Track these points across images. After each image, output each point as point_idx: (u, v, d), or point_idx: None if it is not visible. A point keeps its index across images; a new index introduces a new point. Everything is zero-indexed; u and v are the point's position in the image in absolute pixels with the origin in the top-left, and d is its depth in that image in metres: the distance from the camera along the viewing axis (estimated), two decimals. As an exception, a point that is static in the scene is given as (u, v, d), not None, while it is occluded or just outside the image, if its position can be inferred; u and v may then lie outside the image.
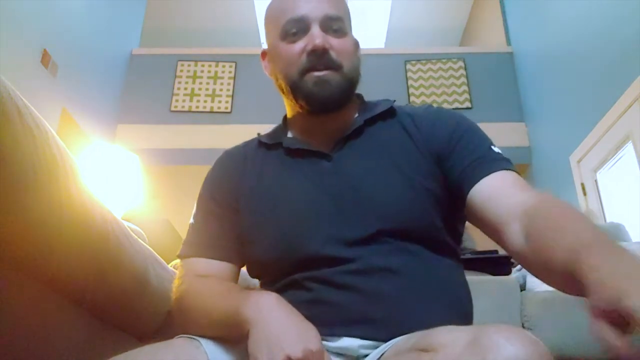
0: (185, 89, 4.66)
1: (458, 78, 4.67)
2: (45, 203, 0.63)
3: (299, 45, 0.82)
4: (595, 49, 3.21)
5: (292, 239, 0.79)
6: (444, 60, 4.76)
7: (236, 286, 0.78)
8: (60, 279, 0.73)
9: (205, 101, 4.60)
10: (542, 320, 1.70)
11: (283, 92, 0.87)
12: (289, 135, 0.91)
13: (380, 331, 0.70)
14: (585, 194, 3.35)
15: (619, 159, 3.01)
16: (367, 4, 6.05)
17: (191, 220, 0.89)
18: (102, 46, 4.18)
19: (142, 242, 0.96)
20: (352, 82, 0.85)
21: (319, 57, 0.80)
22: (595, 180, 3.27)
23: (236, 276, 0.86)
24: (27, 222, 0.61)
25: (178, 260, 0.90)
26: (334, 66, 0.81)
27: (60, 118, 3.36)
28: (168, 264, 1.15)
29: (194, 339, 0.67)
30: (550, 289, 2.09)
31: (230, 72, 4.73)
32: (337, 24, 0.83)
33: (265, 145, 0.90)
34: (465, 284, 0.82)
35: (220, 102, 4.60)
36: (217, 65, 4.76)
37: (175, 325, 0.77)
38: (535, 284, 1.97)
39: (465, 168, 0.78)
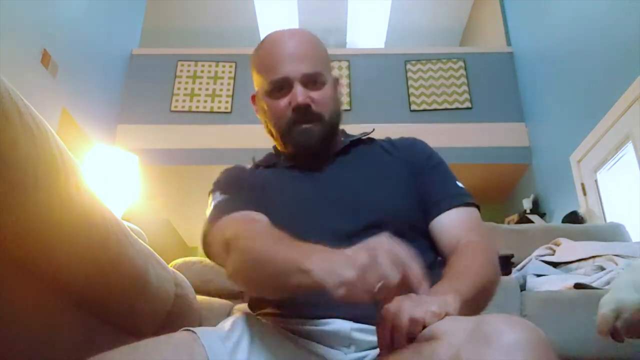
0: (185, 89, 4.66)
1: (458, 78, 4.66)
2: (45, 203, 0.63)
3: (284, 101, 0.94)
4: (595, 49, 3.21)
5: (291, 233, 0.80)
6: (444, 60, 4.76)
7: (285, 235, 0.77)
8: (60, 279, 0.73)
9: (205, 101, 4.60)
10: (542, 320, 1.70)
11: (272, 136, 1.00)
12: (281, 158, 1.03)
13: (371, 312, 0.71)
14: (585, 194, 3.35)
15: (619, 159, 3.01)
16: (367, 4, 6.05)
17: (214, 203, 0.92)
18: (102, 46, 4.18)
19: (142, 242, 0.96)
20: (333, 127, 0.98)
21: (302, 113, 0.93)
22: (595, 180, 3.27)
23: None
24: (27, 222, 0.61)
25: (178, 260, 0.90)
26: (316, 118, 0.94)
27: (60, 118, 3.36)
28: (168, 264, 1.15)
29: (192, 332, 0.67)
30: (550, 288, 2.06)
31: (230, 72, 4.73)
32: (315, 78, 0.95)
33: (263, 165, 1.03)
34: (439, 267, 0.90)
35: (220, 102, 4.60)
36: (217, 65, 4.76)
37: (228, 274, 0.79)
38: (535, 284, 1.97)
39: (433, 197, 0.93)
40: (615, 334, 0.54)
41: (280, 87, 0.94)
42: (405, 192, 0.94)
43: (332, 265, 0.56)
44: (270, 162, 1.04)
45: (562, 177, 3.64)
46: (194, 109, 4.57)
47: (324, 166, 0.98)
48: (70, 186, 0.68)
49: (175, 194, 4.86)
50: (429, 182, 0.95)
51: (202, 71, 4.74)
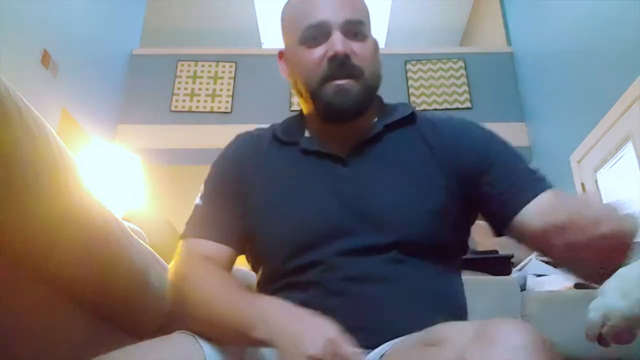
0: (185, 89, 4.66)
1: (458, 78, 4.66)
2: (45, 203, 0.63)
3: (319, 51, 0.80)
4: (595, 49, 3.21)
5: (301, 244, 0.79)
6: (444, 60, 4.76)
7: (237, 283, 0.75)
8: (60, 279, 0.73)
9: (205, 101, 4.60)
10: (543, 320, 1.70)
11: (301, 96, 0.86)
12: (306, 134, 0.89)
13: (369, 338, 0.70)
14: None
15: (619, 159, 3.01)
16: (367, 4, 6.05)
17: (197, 201, 0.86)
18: (102, 46, 4.17)
19: (142, 242, 0.96)
20: (372, 89, 0.83)
21: (340, 65, 0.79)
22: (596, 180, 3.27)
23: (233, 263, 0.85)
24: (28, 222, 0.61)
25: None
26: (356, 74, 0.80)
27: (60, 118, 3.36)
28: (168, 264, 1.15)
29: (190, 334, 0.67)
30: (550, 288, 2.07)
31: (230, 72, 4.72)
32: (358, 28, 0.81)
33: (280, 140, 0.88)
34: (463, 298, 0.83)
35: (220, 102, 4.59)
36: (217, 65, 4.76)
37: (173, 312, 0.77)
38: (536, 284, 1.96)
39: (505, 193, 0.78)
40: (601, 339, 0.54)
41: (315, 35, 0.80)
42: (437, 211, 0.79)
43: (295, 338, 0.56)
44: (291, 138, 0.88)
45: (562, 177, 3.64)
46: (194, 109, 4.57)
47: (349, 156, 0.83)
48: (71, 186, 0.68)
49: (175, 194, 4.85)
50: (496, 181, 0.79)
51: (202, 71, 4.74)
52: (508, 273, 2.25)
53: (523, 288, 1.98)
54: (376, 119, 0.87)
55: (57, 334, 0.75)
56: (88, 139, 3.66)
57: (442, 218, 0.79)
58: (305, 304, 0.73)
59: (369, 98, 0.83)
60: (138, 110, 4.53)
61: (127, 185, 2.17)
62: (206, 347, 0.65)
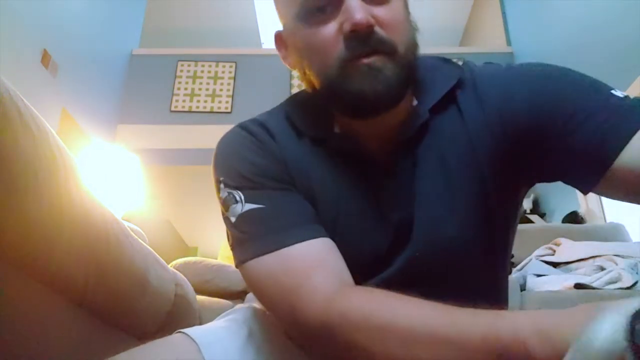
0: (185, 89, 4.66)
1: (458, 78, 4.66)
2: (45, 203, 0.63)
3: (331, 27, 0.59)
4: (595, 49, 3.21)
5: (355, 265, 0.63)
6: (444, 60, 4.76)
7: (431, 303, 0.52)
8: (60, 279, 0.73)
9: (205, 101, 4.61)
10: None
11: (314, 90, 0.66)
12: (336, 129, 0.69)
13: None
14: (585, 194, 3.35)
15: (619, 159, 3.00)
16: None
17: (248, 208, 0.62)
18: (102, 46, 4.18)
19: (142, 242, 0.96)
20: (410, 66, 0.61)
21: (364, 40, 0.58)
22: (596, 180, 3.27)
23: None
24: (27, 222, 0.61)
25: (178, 260, 0.89)
26: (385, 48, 0.58)
27: (60, 118, 3.36)
28: (168, 264, 1.15)
29: (189, 335, 0.66)
30: (550, 288, 2.07)
31: (230, 72, 4.73)
32: None
33: (300, 132, 0.69)
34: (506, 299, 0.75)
35: (220, 102, 4.60)
36: (217, 65, 4.76)
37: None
38: (536, 284, 1.96)
39: (594, 136, 0.57)
40: None
41: (321, 5, 0.59)
42: (487, 224, 0.64)
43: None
44: (318, 132, 0.68)
45: (562, 177, 3.64)
46: (194, 109, 4.57)
47: (392, 160, 0.64)
48: (70, 186, 0.68)
49: (175, 194, 4.87)
50: (570, 132, 0.58)
51: (202, 71, 4.74)
52: (508, 273, 2.25)
53: (523, 288, 1.98)
54: (415, 102, 0.67)
55: (57, 334, 0.75)
56: (88, 139, 3.66)
57: (485, 222, 0.64)
58: None
59: (408, 78, 0.62)
60: (138, 111, 4.53)
61: (127, 185, 2.17)
62: (205, 349, 0.65)
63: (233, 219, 0.63)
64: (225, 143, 0.70)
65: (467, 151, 0.64)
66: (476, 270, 0.66)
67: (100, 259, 0.79)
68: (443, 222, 0.63)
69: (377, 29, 0.58)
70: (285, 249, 0.59)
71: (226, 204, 0.65)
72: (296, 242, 0.59)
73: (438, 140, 0.65)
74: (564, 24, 3.69)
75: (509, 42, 4.88)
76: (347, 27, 0.58)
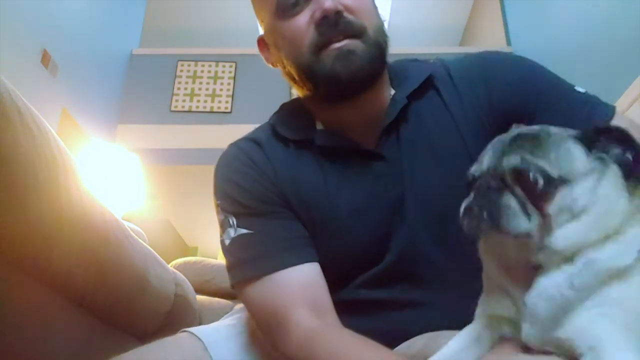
0: (185, 89, 4.66)
1: (458, 78, 4.66)
2: (45, 203, 0.63)
3: (303, 16, 0.64)
4: (595, 49, 3.21)
5: (351, 270, 0.68)
6: (444, 60, 4.76)
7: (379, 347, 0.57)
8: (60, 279, 0.73)
9: (205, 101, 4.60)
10: (542, 320, 1.70)
11: (295, 82, 0.69)
12: (318, 126, 0.72)
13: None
14: (585, 194, 3.35)
15: (619, 159, 3.01)
16: None
17: (238, 233, 0.66)
18: (102, 46, 4.17)
19: (142, 242, 0.96)
20: (381, 47, 0.66)
21: (333, 25, 0.63)
22: (595, 180, 3.27)
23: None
24: (27, 222, 0.61)
25: (178, 260, 0.89)
26: (355, 32, 0.63)
27: (60, 118, 3.36)
28: (168, 264, 1.15)
29: (196, 336, 0.66)
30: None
31: (230, 72, 4.72)
32: None
33: (286, 139, 0.72)
34: None
35: (220, 102, 4.60)
36: (217, 65, 4.76)
37: None
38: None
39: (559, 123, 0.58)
40: None
41: (294, 0, 0.65)
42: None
43: None
44: (300, 135, 0.71)
45: (562, 177, 3.64)
46: (194, 109, 4.57)
47: (380, 146, 0.67)
48: (70, 186, 0.68)
49: (175, 194, 4.86)
50: (538, 119, 0.61)
51: (202, 71, 4.74)
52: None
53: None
54: (393, 91, 0.71)
55: (57, 333, 0.75)
56: (88, 139, 3.66)
57: None
58: (372, 319, 0.66)
59: (380, 60, 0.66)
60: (138, 110, 4.53)
61: (127, 185, 2.17)
62: (212, 347, 0.65)
63: (227, 242, 0.67)
64: (221, 166, 0.74)
65: (450, 129, 0.67)
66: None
67: (100, 259, 0.79)
68: (433, 194, 0.66)
69: (345, 14, 0.63)
70: (272, 275, 0.62)
71: (222, 227, 0.69)
72: (283, 268, 0.63)
73: (421, 123, 0.68)
74: (564, 23, 3.69)
75: (509, 42, 4.87)
76: (317, 14, 0.63)
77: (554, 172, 0.44)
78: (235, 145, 0.76)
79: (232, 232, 0.67)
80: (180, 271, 1.24)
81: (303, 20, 0.65)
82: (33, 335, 0.69)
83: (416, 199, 0.66)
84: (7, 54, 2.70)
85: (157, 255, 1.03)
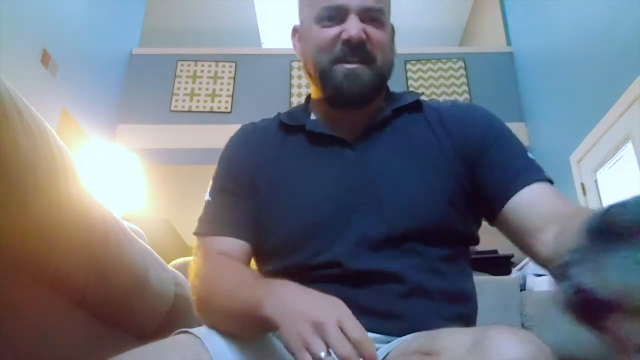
0: (185, 89, 4.66)
1: (458, 78, 4.66)
2: (45, 203, 0.63)
3: (334, 30, 0.79)
4: (595, 49, 3.21)
5: (309, 233, 0.77)
6: (444, 60, 4.76)
7: (252, 273, 0.73)
8: (60, 279, 0.73)
9: (205, 101, 4.60)
10: (542, 320, 1.70)
11: (310, 76, 0.85)
12: (312, 117, 0.88)
13: (393, 325, 0.70)
14: (585, 194, 3.35)
15: (619, 159, 3.01)
16: None
17: (207, 197, 0.85)
18: (102, 46, 4.18)
19: (142, 242, 0.96)
20: (383, 77, 0.82)
21: (353, 49, 0.77)
22: (595, 180, 3.27)
23: (251, 256, 0.83)
24: (27, 222, 0.61)
25: (178, 260, 0.90)
26: (367, 59, 0.78)
27: (60, 118, 3.36)
28: (168, 263, 1.15)
29: (195, 336, 0.66)
30: (550, 288, 2.07)
31: (230, 72, 4.72)
32: (376, 15, 0.80)
33: (286, 127, 0.87)
34: (473, 288, 0.82)
35: (220, 102, 4.60)
36: (217, 65, 4.76)
37: (198, 314, 0.73)
38: (535, 284, 1.97)
39: (501, 178, 0.76)
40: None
41: (331, 16, 0.79)
42: (448, 191, 0.78)
43: (287, 309, 0.54)
44: (296, 121, 0.86)
45: (562, 177, 3.64)
46: (194, 109, 4.57)
47: (356, 140, 0.82)
48: (70, 186, 0.68)
49: (175, 194, 4.86)
50: (490, 165, 0.78)
51: (202, 71, 4.74)
52: (508, 273, 2.25)
53: (523, 288, 1.99)
54: (384, 106, 0.86)
55: (57, 333, 0.75)
56: (88, 139, 3.66)
57: (450, 205, 0.77)
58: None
59: (379, 85, 0.82)
60: (138, 110, 4.53)
61: (127, 185, 2.17)
62: (211, 347, 0.65)
63: (205, 199, 0.85)
64: (226, 143, 0.91)
65: (432, 145, 0.81)
66: (435, 240, 0.77)
67: (100, 259, 0.79)
68: (394, 181, 0.78)
69: (366, 44, 0.78)
70: (212, 237, 0.80)
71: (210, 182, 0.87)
72: (221, 235, 0.80)
73: (405, 132, 0.83)
74: (564, 24, 3.69)
75: (508, 42, 4.88)
76: (344, 36, 0.78)
77: None
78: (243, 126, 0.92)
79: (207, 195, 0.85)
80: (180, 271, 1.24)
81: (333, 33, 0.79)
82: (32, 335, 0.69)
83: (380, 187, 0.77)
84: (7, 53, 2.70)
85: (157, 255, 1.03)
